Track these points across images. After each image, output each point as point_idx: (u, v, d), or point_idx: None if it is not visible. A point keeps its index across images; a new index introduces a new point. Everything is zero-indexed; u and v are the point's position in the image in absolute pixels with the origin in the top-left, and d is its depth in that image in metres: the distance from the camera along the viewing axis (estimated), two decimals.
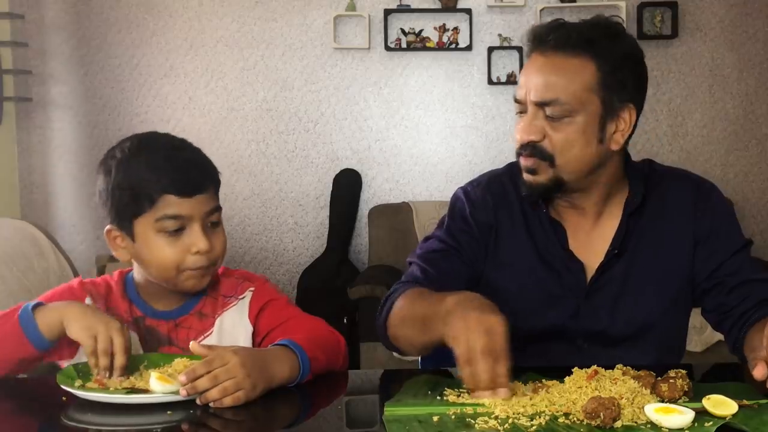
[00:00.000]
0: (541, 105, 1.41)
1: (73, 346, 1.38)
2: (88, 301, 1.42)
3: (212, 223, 1.42)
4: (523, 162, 1.46)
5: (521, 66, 4.43)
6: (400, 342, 1.45)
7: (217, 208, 1.43)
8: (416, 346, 1.40)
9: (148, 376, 1.27)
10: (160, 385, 1.22)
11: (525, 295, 1.51)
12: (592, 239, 1.52)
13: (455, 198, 1.61)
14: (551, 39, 1.42)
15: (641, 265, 1.50)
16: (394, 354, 1.61)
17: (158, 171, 1.36)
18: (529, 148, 1.43)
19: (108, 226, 1.42)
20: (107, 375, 1.27)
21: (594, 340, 1.50)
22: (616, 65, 1.42)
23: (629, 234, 1.50)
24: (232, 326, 1.45)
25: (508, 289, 1.51)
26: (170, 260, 1.38)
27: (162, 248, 1.38)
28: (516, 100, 1.46)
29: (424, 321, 1.33)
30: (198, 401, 1.19)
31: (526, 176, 1.47)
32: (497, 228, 1.55)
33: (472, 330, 1.15)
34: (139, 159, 1.38)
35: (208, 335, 1.45)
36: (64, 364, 1.38)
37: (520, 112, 1.46)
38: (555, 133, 1.41)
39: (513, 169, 1.60)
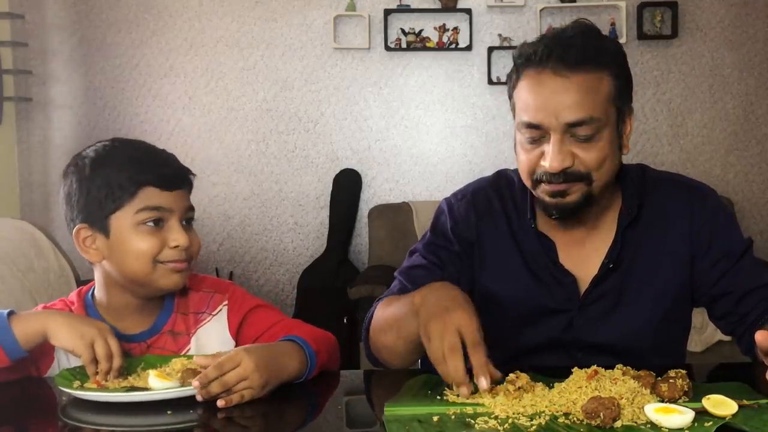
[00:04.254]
0: (573, 126, 1.34)
1: (48, 357, 1.36)
2: None
3: (188, 221, 1.41)
4: (551, 188, 1.38)
5: None
6: (382, 353, 1.43)
7: (193, 208, 1.42)
8: (398, 352, 1.38)
9: (146, 376, 1.27)
10: (159, 383, 1.22)
11: (517, 308, 1.49)
12: (583, 251, 1.49)
13: (439, 211, 1.58)
14: (563, 58, 1.35)
15: (637, 277, 1.47)
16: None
17: (139, 164, 1.35)
18: (561, 176, 1.36)
19: (78, 226, 1.38)
20: (106, 379, 1.27)
21: (590, 352, 1.48)
22: (621, 71, 1.40)
23: (624, 246, 1.47)
24: (210, 342, 1.42)
25: (500, 303, 1.50)
26: (146, 252, 1.35)
27: (139, 241, 1.35)
28: (531, 126, 1.37)
29: (397, 322, 1.33)
30: (219, 404, 1.18)
31: (552, 200, 1.40)
32: (480, 244, 1.52)
33: (443, 330, 1.16)
34: (116, 155, 1.37)
35: (186, 353, 1.42)
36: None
37: (534, 138, 1.38)
38: (586, 152, 1.36)
39: (500, 180, 1.57)
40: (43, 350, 1.34)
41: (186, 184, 1.40)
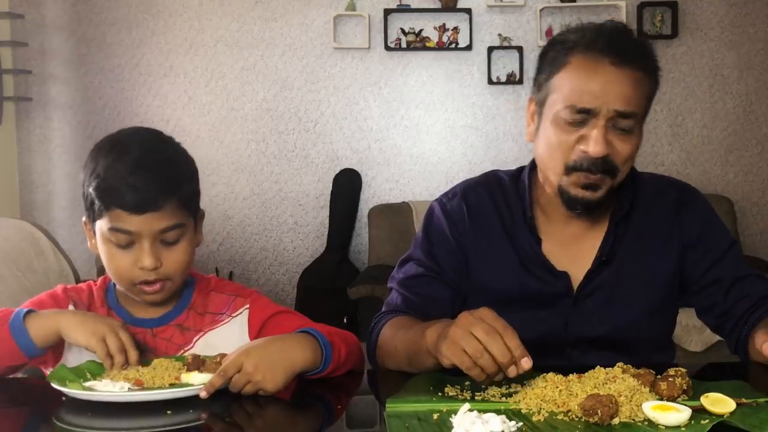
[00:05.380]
0: (622, 116, 1.37)
1: (58, 352, 1.38)
2: (70, 307, 1.41)
3: (167, 240, 1.37)
4: (586, 179, 1.39)
5: (521, 66, 4.44)
6: (391, 368, 1.44)
7: (177, 226, 1.37)
8: (409, 372, 1.38)
9: (148, 371, 1.27)
10: (196, 378, 1.23)
11: (511, 303, 1.49)
12: (577, 247, 1.51)
13: (431, 214, 1.57)
14: (623, 51, 1.38)
15: (628, 271, 1.50)
16: None
17: (114, 182, 1.32)
18: (600, 164, 1.38)
19: (83, 218, 1.42)
20: (122, 370, 1.29)
21: (583, 348, 1.50)
22: (657, 77, 1.45)
23: (615, 240, 1.50)
24: (224, 343, 1.40)
25: (494, 297, 1.49)
26: (120, 271, 1.37)
27: (113, 257, 1.37)
28: (580, 110, 1.37)
29: (408, 356, 1.34)
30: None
31: (581, 192, 1.41)
32: (475, 238, 1.52)
33: (468, 326, 1.14)
34: (105, 163, 1.34)
35: (188, 349, 1.43)
36: (48, 371, 1.38)
37: (576, 122, 1.38)
38: (623, 145, 1.39)
39: (489, 178, 1.58)
40: (55, 347, 1.36)
41: (160, 206, 1.34)
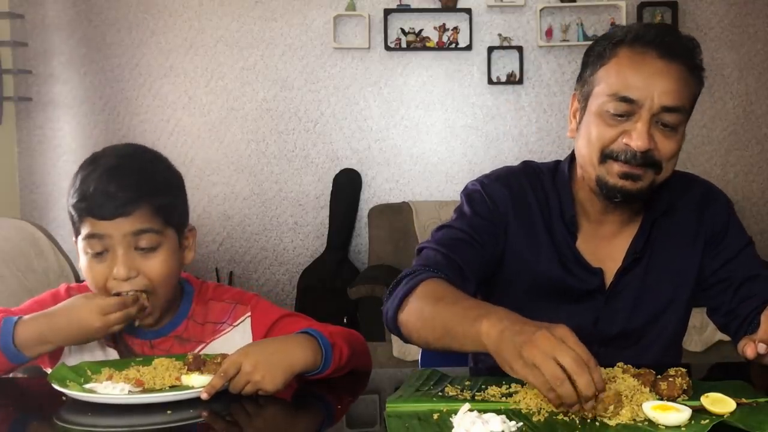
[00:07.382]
0: (667, 111, 1.36)
1: (54, 354, 1.37)
2: None
3: (142, 247, 1.33)
4: (626, 169, 1.38)
5: (521, 66, 4.44)
6: (411, 336, 1.35)
7: (150, 230, 1.33)
8: (431, 347, 1.32)
9: (149, 371, 1.27)
10: (197, 380, 1.23)
11: (545, 298, 1.49)
12: (609, 243, 1.51)
13: (471, 190, 1.54)
14: (671, 45, 1.38)
15: (657, 268, 1.51)
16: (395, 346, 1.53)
17: (86, 192, 1.32)
18: (641, 157, 1.37)
19: (74, 239, 1.40)
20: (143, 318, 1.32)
21: (608, 344, 1.50)
22: (702, 80, 1.44)
23: (648, 238, 1.50)
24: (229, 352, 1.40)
25: (527, 291, 1.50)
26: (96, 281, 1.34)
27: (91, 268, 1.34)
28: (625, 99, 1.36)
29: (447, 332, 1.24)
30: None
31: (622, 182, 1.39)
32: (516, 226, 1.51)
33: (551, 350, 1.03)
34: (81, 176, 1.34)
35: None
36: (48, 369, 1.38)
37: (619, 114, 1.37)
38: (666, 141, 1.38)
39: (527, 167, 1.57)
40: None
41: (129, 211, 1.31)
